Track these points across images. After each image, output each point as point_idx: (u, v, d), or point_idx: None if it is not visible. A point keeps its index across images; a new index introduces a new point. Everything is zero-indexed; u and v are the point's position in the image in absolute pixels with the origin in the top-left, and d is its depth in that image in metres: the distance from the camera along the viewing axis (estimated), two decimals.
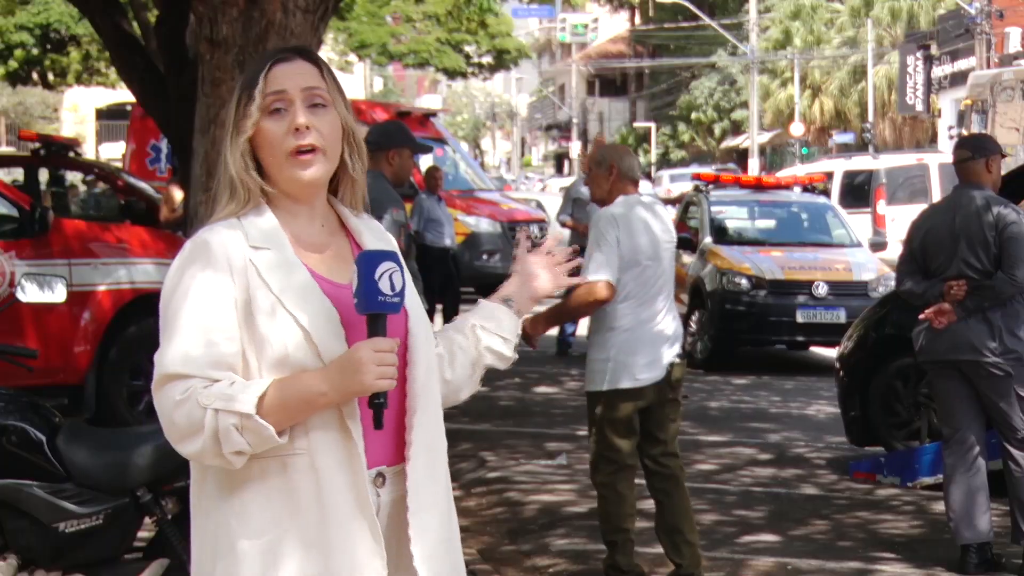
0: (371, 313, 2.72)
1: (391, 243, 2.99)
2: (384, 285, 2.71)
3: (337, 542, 2.73)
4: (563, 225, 14.83)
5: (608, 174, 6.64)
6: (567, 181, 42.59)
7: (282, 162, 2.83)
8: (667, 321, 6.57)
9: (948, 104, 40.54)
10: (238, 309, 2.77)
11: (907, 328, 7.59)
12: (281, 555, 2.74)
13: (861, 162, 24.96)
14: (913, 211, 25.68)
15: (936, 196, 23.29)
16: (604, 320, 6.52)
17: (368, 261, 2.72)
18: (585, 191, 15.83)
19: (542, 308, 6.51)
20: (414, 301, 2.91)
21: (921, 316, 7.24)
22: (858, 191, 23.48)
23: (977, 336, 7.02)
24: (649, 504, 6.81)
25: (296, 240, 2.87)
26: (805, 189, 16.44)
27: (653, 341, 6.50)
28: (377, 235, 2.98)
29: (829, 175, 22.36)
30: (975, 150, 7.23)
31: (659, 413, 6.57)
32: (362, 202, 2.97)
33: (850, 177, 23.88)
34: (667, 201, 20.28)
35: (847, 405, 9.78)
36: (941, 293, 7.09)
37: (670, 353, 6.55)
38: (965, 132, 36.20)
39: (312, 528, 2.73)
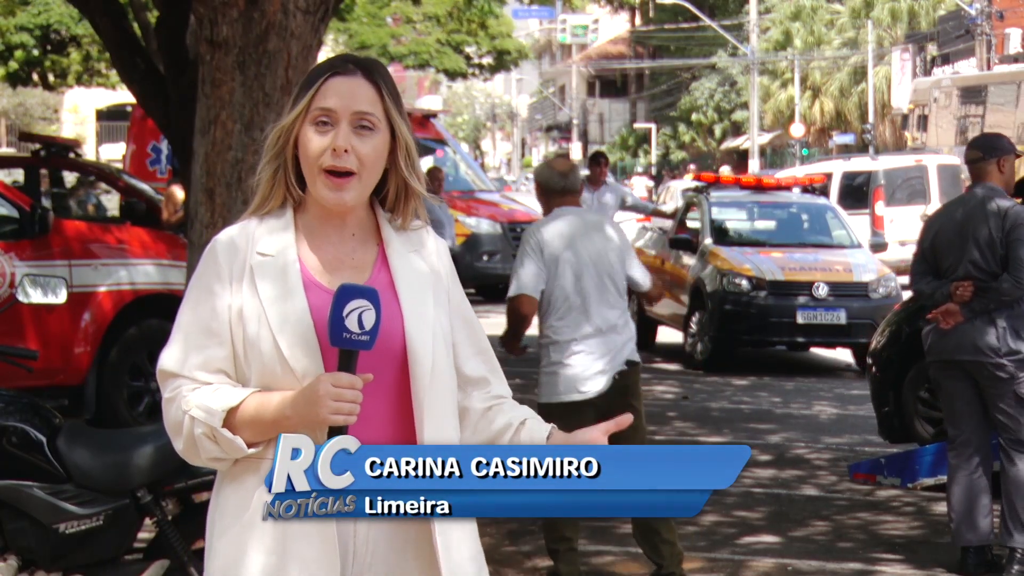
0: (340, 347, 2.71)
1: (433, 257, 2.95)
2: (351, 323, 2.68)
3: (293, 552, 2.76)
4: None
5: (538, 191, 6.80)
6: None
7: (315, 176, 2.84)
8: (612, 330, 6.56)
9: None
10: (232, 315, 2.83)
11: None
12: (243, 556, 2.79)
13: (860, 163, 24.95)
14: (912, 212, 25.59)
15: (935, 197, 23.30)
16: (544, 332, 6.57)
17: (340, 296, 2.70)
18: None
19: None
20: (417, 310, 2.87)
21: (928, 316, 7.23)
22: (857, 192, 23.47)
23: (982, 337, 7.00)
24: None
25: (317, 248, 2.88)
26: (805, 190, 16.44)
27: (594, 352, 6.50)
28: (411, 248, 2.94)
29: (828, 176, 22.36)
30: (987, 150, 7.15)
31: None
32: (411, 215, 2.94)
33: (849, 178, 23.87)
34: None
35: (880, 401, 9.72)
36: (949, 294, 7.08)
37: (616, 362, 6.54)
38: (908, 135, 36.83)
39: (274, 535, 2.76)
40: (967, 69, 37.49)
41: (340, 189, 2.83)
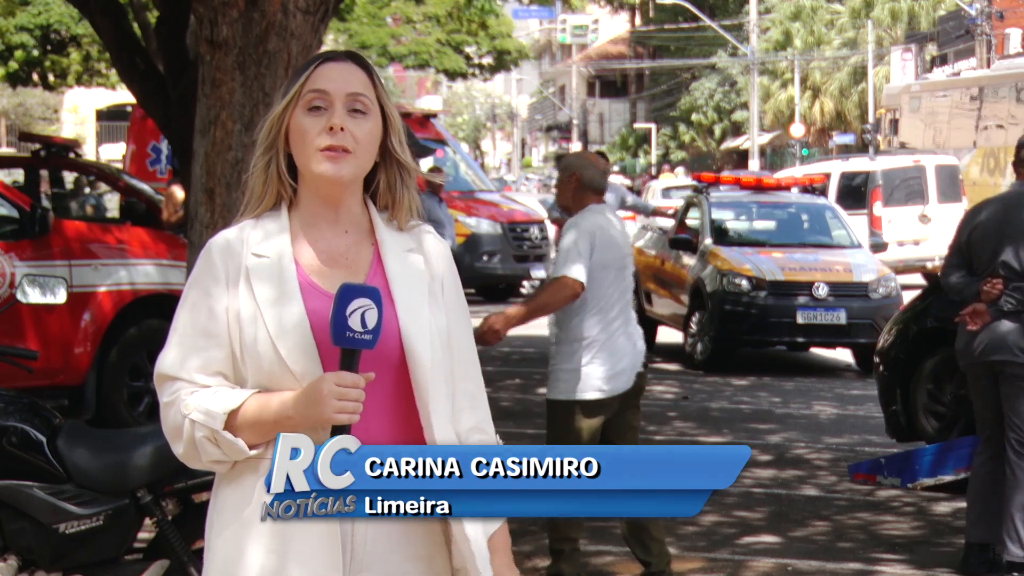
0: (343, 347, 2.71)
1: (431, 256, 2.94)
2: (354, 322, 2.68)
3: (295, 550, 2.76)
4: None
5: (570, 182, 6.70)
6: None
7: (311, 156, 2.83)
8: (631, 331, 6.60)
9: None
10: (230, 317, 2.83)
11: (948, 321, 7.45)
12: (243, 556, 2.79)
13: (858, 163, 24.95)
14: (910, 213, 25.57)
15: (933, 197, 23.32)
16: (572, 330, 6.52)
17: (342, 296, 2.69)
18: None
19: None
20: (413, 311, 2.86)
21: (955, 319, 7.15)
22: (855, 192, 23.47)
23: (1010, 336, 6.92)
24: None
25: (311, 246, 2.87)
26: (804, 190, 16.44)
27: (620, 352, 6.52)
28: (406, 247, 2.92)
29: (827, 176, 22.36)
30: None
31: (621, 420, 6.59)
32: (406, 210, 2.93)
33: (847, 179, 23.87)
34: None
35: (887, 399, 9.70)
36: (977, 292, 7.01)
37: (637, 361, 6.57)
38: (880, 138, 37.02)
39: (274, 534, 2.76)
40: (937, 71, 37.80)
41: (337, 162, 2.83)
